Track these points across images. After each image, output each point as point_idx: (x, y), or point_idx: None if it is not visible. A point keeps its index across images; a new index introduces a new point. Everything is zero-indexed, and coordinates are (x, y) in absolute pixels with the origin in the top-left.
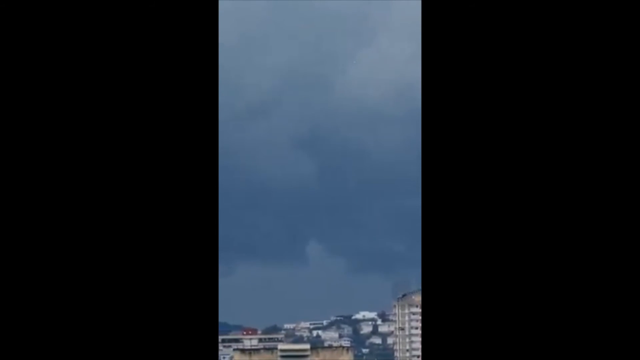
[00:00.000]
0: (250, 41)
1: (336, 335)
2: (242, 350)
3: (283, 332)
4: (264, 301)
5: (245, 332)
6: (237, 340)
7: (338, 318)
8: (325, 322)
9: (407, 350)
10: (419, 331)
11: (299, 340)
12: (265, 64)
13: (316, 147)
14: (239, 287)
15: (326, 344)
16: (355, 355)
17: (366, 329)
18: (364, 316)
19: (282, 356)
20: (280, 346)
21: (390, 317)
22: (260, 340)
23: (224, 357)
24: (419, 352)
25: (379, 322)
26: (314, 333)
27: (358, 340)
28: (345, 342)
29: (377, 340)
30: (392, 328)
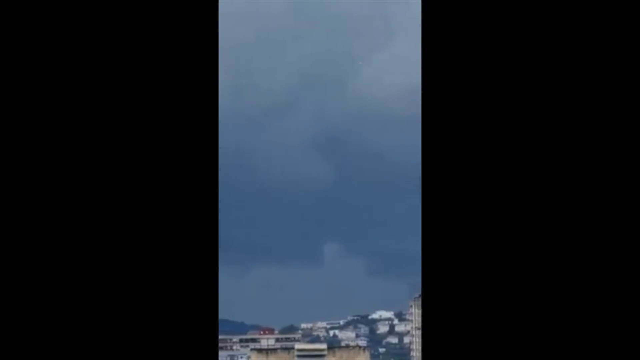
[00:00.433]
0: (266, 42)
1: (353, 335)
2: (259, 350)
3: (300, 331)
4: (281, 301)
5: (262, 332)
6: (254, 340)
7: (355, 318)
8: (342, 322)
9: None
10: None
11: (316, 340)
12: (281, 65)
13: (332, 148)
14: (256, 288)
15: (343, 344)
16: (372, 355)
17: (383, 328)
18: (380, 316)
19: (299, 356)
20: (298, 346)
21: (407, 317)
22: (277, 340)
23: (241, 357)
24: None
25: (396, 321)
26: (331, 333)
27: (375, 339)
28: (362, 342)
29: (394, 340)
30: (408, 327)
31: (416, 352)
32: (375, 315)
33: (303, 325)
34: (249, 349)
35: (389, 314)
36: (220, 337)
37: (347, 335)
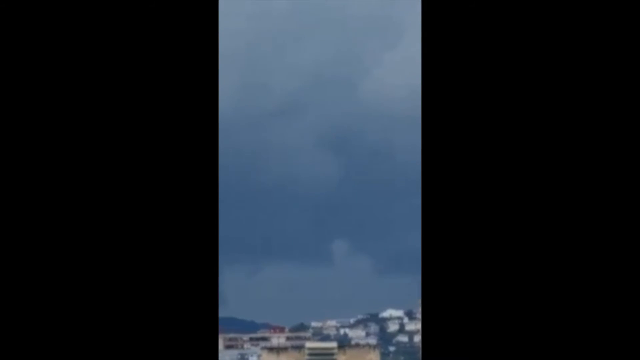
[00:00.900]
0: (277, 42)
1: (363, 333)
2: (270, 349)
3: (310, 330)
4: (291, 300)
5: (272, 331)
6: (264, 339)
7: (365, 316)
8: (352, 321)
9: None
10: None
11: (326, 338)
12: (291, 65)
13: (341, 147)
14: (266, 286)
15: (353, 342)
16: (382, 354)
17: (393, 327)
18: (390, 314)
19: (310, 354)
20: (308, 344)
21: (417, 316)
22: (287, 338)
23: (251, 355)
24: None
25: (406, 320)
26: (341, 331)
27: (385, 338)
28: (372, 341)
29: (404, 339)
30: (418, 326)
31: None
32: (386, 314)
33: (313, 324)
34: (259, 347)
35: (399, 313)
36: (230, 335)
37: (357, 334)
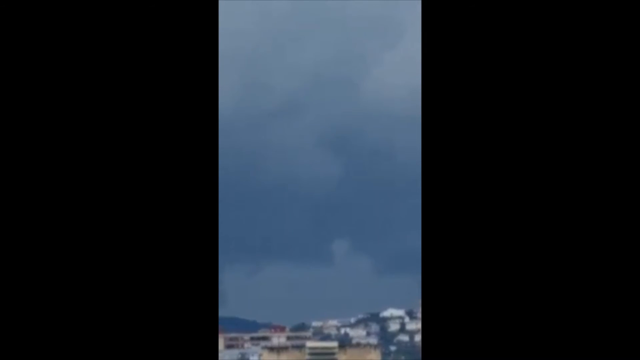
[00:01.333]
0: (277, 42)
1: (364, 333)
2: (271, 349)
3: (311, 329)
4: (292, 299)
5: (273, 330)
6: (265, 338)
7: (365, 316)
8: (352, 320)
9: None
10: None
11: (327, 338)
12: (292, 65)
13: (342, 147)
14: (266, 286)
15: (354, 342)
16: (383, 353)
17: (394, 326)
18: (391, 314)
19: (311, 354)
20: (309, 344)
21: (418, 315)
22: (288, 338)
23: (252, 355)
24: None
25: (407, 319)
26: (342, 331)
27: (386, 338)
28: (373, 340)
29: (405, 338)
30: (419, 326)
31: None
32: (386, 314)
33: (314, 324)
34: (260, 347)
35: (399, 312)
36: (231, 335)
37: (358, 334)
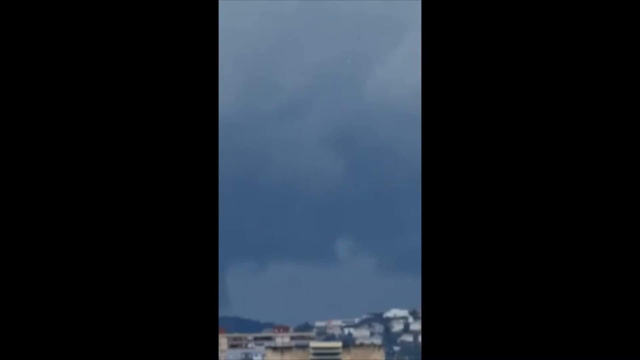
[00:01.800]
0: (282, 41)
1: (368, 333)
2: (275, 349)
3: (315, 330)
4: (296, 299)
5: (277, 330)
6: (269, 338)
7: (369, 316)
8: (356, 320)
9: None
10: None
11: (331, 338)
12: (297, 64)
13: (345, 146)
14: (270, 286)
15: (358, 342)
16: (386, 353)
17: (397, 327)
18: (395, 314)
19: (315, 354)
20: (313, 344)
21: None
22: (292, 338)
23: (256, 355)
24: None
25: (410, 320)
26: (346, 331)
27: (389, 338)
28: (377, 340)
29: (409, 338)
30: None
31: None
32: (390, 314)
33: (317, 324)
34: (263, 347)
35: (403, 313)
36: (235, 335)
37: (361, 334)
